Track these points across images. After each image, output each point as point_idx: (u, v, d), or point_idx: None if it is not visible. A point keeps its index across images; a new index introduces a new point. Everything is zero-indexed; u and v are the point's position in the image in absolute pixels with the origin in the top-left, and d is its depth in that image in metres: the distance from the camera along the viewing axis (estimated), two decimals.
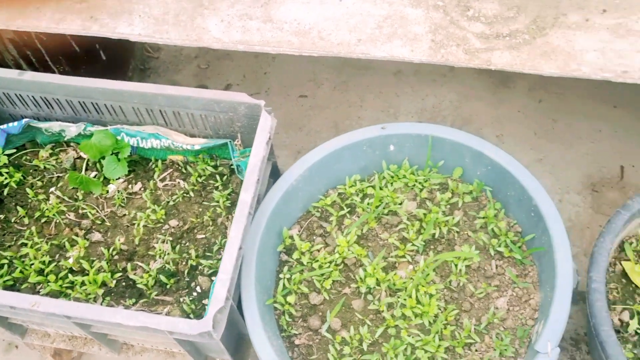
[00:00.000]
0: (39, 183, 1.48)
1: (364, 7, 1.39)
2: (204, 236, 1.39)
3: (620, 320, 1.23)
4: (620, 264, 1.29)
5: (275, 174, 1.47)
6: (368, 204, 1.39)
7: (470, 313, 1.25)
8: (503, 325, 1.22)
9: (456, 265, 1.28)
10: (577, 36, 1.28)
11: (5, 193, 1.45)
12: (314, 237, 1.38)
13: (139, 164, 1.53)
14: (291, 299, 1.26)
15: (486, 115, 2.06)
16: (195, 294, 1.30)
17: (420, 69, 2.21)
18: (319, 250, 1.34)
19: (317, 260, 1.31)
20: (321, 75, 2.24)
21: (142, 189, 1.49)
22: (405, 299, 1.24)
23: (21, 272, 1.31)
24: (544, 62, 1.26)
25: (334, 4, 1.39)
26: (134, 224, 1.41)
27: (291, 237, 1.35)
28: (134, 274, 1.34)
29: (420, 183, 1.41)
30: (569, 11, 1.32)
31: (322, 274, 1.31)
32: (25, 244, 1.36)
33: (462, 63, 1.28)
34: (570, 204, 1.85)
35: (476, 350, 1.20)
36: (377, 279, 1.28)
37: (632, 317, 1.22)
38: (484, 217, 1.33)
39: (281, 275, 1.32)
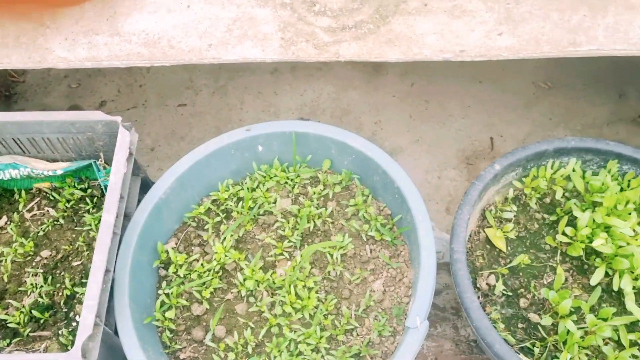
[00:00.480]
0: None
1: (212, 11, 1.38)
2: (79, 263, 1.35)
3: (487, 284, 1.30)
4: (484, 232, 1.36)
5: (146, 188, 1.43)
6: (242, 207, 1.39)
7: (350, 300, 1.28)
8: (381, 307, 1.26)
9: (331, 255, 1.31)
10: (417, 21, 1.34)
11: None
12: (192, 248, 1.37)
13: (2, 196, 1.45)
14: (170, 314, 1.24)
15: (363, 104, 2.12)
16: (74, 324, 1.25)
17: (296, 66, 2.23)
18: (197, 260, 1.33)
19: (196, 271, 1.30)
20: (198, 82, 2.21)
21: (8, 222, 1.42)
22: (284, 296, 1.25)
23: None
24: (389, 49, 1.30)
25: (182, 11, 1.38)
26: (1, 261, 1.34)
27: (167, 251, 1.32)
28: (6, 313, 1.28)
29: (291, 179, 1.42)
30: None
31: (203, 284, 1.30)
32: None
33: (313, 58, 1.30)
34: (449, 179, 1.93)
35: (357, 335, 1.23)
36: (256, 281, 1.28)
37: (497, 280, 1.29)
38: (354, 205, 1.36)
39: (160, 292, 1.29)
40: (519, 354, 1.20)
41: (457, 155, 1.97)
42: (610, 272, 1.26)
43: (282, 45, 1.32)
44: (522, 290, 1.29)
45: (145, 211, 1.29)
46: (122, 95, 2.20)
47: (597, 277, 1.24)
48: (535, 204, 1.39)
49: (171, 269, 1.31)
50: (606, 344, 1.19)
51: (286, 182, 1.42)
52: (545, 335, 1.21)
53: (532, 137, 1.99)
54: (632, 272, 1.22)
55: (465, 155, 1.97)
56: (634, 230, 1.27)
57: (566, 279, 1.29)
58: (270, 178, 1.42)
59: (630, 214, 1.28)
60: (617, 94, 2.08)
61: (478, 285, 1.30)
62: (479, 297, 1.29)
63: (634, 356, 1.16)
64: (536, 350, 1.18)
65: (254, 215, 1.39)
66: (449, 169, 1.94)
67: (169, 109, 2.14)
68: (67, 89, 2.23)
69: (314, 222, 1.36)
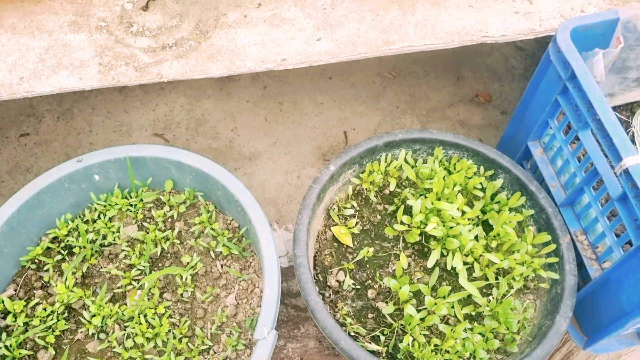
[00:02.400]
0: None
1: (22, 41, 1.31)
2: None
3: (337, 280, 1.35)
4: (330, 230, 1.41)
5: None
6: (86, 240, 1.34)
7: (205, 319, 1.28)
8: (235, 321, 1.27)
9: (181, 277, 1.30)
10: (238, 33, 1.35)
11: None
12: (34, 291, 1.30)
13: None
14: None
15: (218, 112, 2.11)
16: None
17: None
18: (39, 304, 1.27)
19: (37, 316, 1.24)
20: (40, 108, 2.09)
21: None
22: (134, 327, 1.22)
23: None
24: (212, 65, 1.30)
25: None
26: None
27: (2, 301, 1.25)
28: None
29: (134, 205, 1.39)
30: (228, 10, 1.38)
31: (48, 328, 1.24)
32: None
33: (135, 81, 1.27)
34: (308, 178, 1.97)
35: (214, 353, 1.23)
36: (103, 316, 1.24)
37: (346, 275, 1.34)
38: (200, 223, 1.36)
39: (0, 344, 1.22)
40: (370, 343, 1.26)
41: (314, 153, 2.02)
42: (445, 253, 1.35)
43: (100, 71, 1.28)
44: (370, 281, 1.35)
45: None
46: None
47: (432, 259, 1.32)
48: (376, 197, 1.46)
49: (9, 318, 1.24)
50: (447, 321, 1.27)
51: (128, 209, 1.38)
52: (392, 322, 1.28)
53: (382, 126, 2.08)
54: (462, 250, 1.31)
55: (322, 151, 2.02)
56: (462, 211, 1.36)
57: (409, 264, 1.37)
58: (112, 207, 1.38)
59: (457, 195, 1.37)
60: (456, 77, 2.22)
61: (329, 284, 1.35)
62: (330, 295, 1.34)
63: (469, 329, 1.25)
64: (382, 338, 1.25)
65: (98, 248, 1.34)
66: (307, 168, 1.98)
67: (9, 141, 2.01)
68: None
69: (162, 245, 1.34)
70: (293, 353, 1.42)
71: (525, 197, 1.38)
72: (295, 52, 1.33)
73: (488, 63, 2.25)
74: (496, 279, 1.30)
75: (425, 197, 1.38)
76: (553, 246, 1.30)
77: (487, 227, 1.39)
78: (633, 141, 1.46)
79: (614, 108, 1.58)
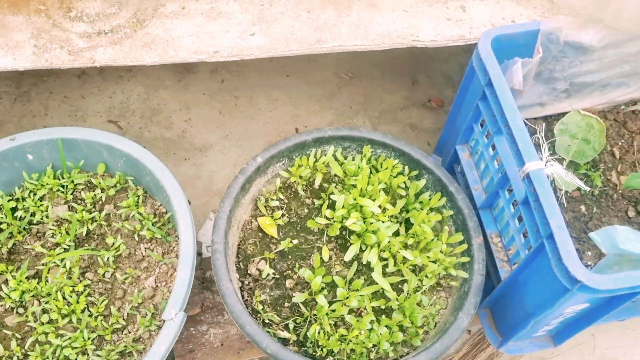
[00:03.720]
0: None
1: None
2: None
3: (257, 269, 1.38)
4: (257, 221, 1.45)
5: None
6: (14, 217, 1.37)
7: (123, 299, 1.31)
8: (152, 302, 1.31)
9: (102, 258, 1.33)
10: (174, 24, 1.39)
11: None
12: None
13: None
14: None
15: (174, 102, 2.14)
16: None
17: (105, 68, 2.20)
18: None
19: None
20: None
21: None
22: (50, 303, 1.26)
23: None
24: (145, 53, 1.34)
25: None
26: None
27: None
28: None
29: (64, 186, 1.42)
30: (168, 1, 1.42)
31: None
32: None
33: (67, 64, 1.31)
34: None
35: (128, 332, 1.27)
36: (22, 291, 1.27)
37: (267, 264, 1.38)
38: (127, 206, 1.39)
39: None
40: (283, 330, 1.30)
41: (265, 147, 2.05)
42: (365, 248, 1.39)
43: (34, 52, 1.31)
44: (289, 272, 1.39)
45: None
46: None
47: (350, 253, 1.36)
48: (304, 190, 1.49)
49: None
50: (360, 314, 1.31)
51: (59, 190, 1.42)
52: (305, 311, 1.32)
53: (334, 125, 2.12)
54: (379, 246, 1.35)
55: None
56: (384, 208, 1.41)
57: (330, 257, 1.41)
58: (43, 186, 1.41)
59: (379, 192, 1.41)
60: (411, 81, 2.26)
61: (249, 272, 1.38)
62: (249, 283, 1.37)
63: (377, 321, 1.29)
64: (291, 326, 1.28)
65: (26, 225, 1.38)
66: None
67: None
68: None
69: (88, 226, 1.37)
70: (214, 338, 1.45)
71: (445, 197, 1.42)
72: (228, 45, 1.37)
73: (444, 69, 2.29)
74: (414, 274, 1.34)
75: (350, 192, 1.42)
76: (465, 246, 1.34)
77: (409, 225, 1.43)
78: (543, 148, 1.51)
79: (546, 117, 1.63)
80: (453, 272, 1.33)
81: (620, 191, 1.53)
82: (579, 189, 1.51)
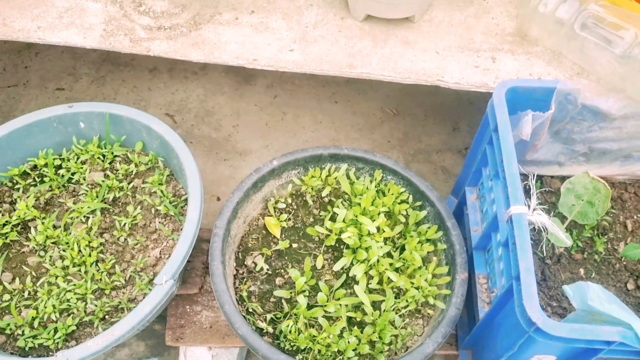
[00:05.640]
0: None
1: (50, 0, 1.57)
2: None
3: (254, 262, 1.49)
4: (264, 219, 1.56)
5: None
6: (57, 174, 1.56)
7: (130, 263, 1.46)
8: (153, 271, 1.44)
9: (120, 223, 1.49)
10: (225, 31, 1.55)
11: None
12: (2, 204, 1.53)
13: None
14: None
15: (227, 108, 2.32)
16: None
17: (174, 67, 2.43)
18: (1, 214, 1.49)
19: None
20: (80, 70, 2.39)
21: None
22: (66, 251, 1.42)
23: None
24: (193, 51, 1.51)
25: None
26: None
27: None
28: None
29: (104, 156, 1.60)
30: (225, 11, 1.60)
31: (2, 234, 1.45)
32: None
33: (127, 50, 1.50)
34: None
35: (125, 292, 1.40)
36: (46, 236, 1.44)
37: (262, 259, 1.49)
38: (151, 183, 1.55)
39: None
40: (262, 322, 1.39)
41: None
42: (356, 262, 1.47)
43: (102, 35, 1.51)
44: (282, 270, 1.48)
45: None
46: (7, 74, 2.36)
47: (339, 264, 1.45)
48: (313, 201, 1.60)
49: None
50: (335, 321, 1.38)
51: (99, 158, 1.60)
52: (286, 307, 1.40)
53: None
54: (368, 262, 1.43)
55: None
56: (382, 229, 1.48)
57: (323, 266, 1.49)
58: (87, 152, 1.60)
59: (380, 214, 1.49)
60: (452, 127, 2.33)
61: (246, 263, 1.49)
62: (243, 273, 1.48)
63: (348, 329, 1.36)
64: (269, 317, 1.37)
65: (65, 182, 1.56)
66: None
67: (47, 92, 2.31)
68: None
69: (115, 193, 1.54)
70: (205, 320, 1.56)
71: (442, 231, 1.48)
72: (267, 56, 1.51)
73: None
74: (396, 297, 1.40)
75: (352, 209, 1.51)
76: (448, 279, 1.39)
77: (404, 251, 1.50)
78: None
79: (563, 178, 1.65)
80: (432, 301, 1.38)
81: (623, 262, 1.52)
82: (582, 251, 1.52)
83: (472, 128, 2.32)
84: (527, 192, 1.39)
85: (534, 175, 1.31)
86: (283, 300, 1.42)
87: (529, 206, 1.24)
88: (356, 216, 1.48)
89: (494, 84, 1.51)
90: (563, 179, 1.66)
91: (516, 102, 1.40)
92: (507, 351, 1.22)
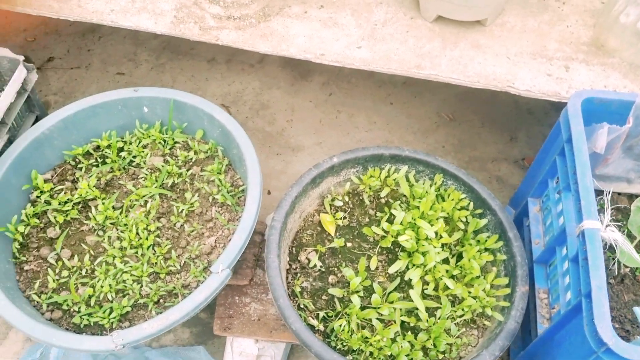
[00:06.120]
0: None
1: None
2: None
3: (307, 258, 1.48)
4: (319, 215, 1.55)
5: None
6: (118, 156, 1.58)
7: (185, 249, 1.46)
8: (208, 259, 1.44)
9: (177, 209, 1.49)
10: (294, 24, 1.55)
11: None
12: (65, 182, 1.55)
13: None
14: (20, 228, 1.42)
15: (282, 103, 2.32)
16: None
17: (232, 59, 2.44)
18: (63, 191, 1.51)
19: (57, 199, 1.48)
20: (141, 57, 2.42)
21: None
22: (124, 232, 1.43)
23: None
24: (261, 42, 1.51)
25: None
26: None
27: (37, 178, 1.51)
28: None
29: (165, 141, 1.61)
30: (294, 4, 1.59)
31: (62, 211, 1.48)
32: None
33: (196, 37, 1.51)
34: None
35: (179, 277, 1.41)
36: (106, 217, 1.46)
37: (316, 256, 1.47)
38: (210, 171, 1.55)
39: (22, 211, 1.48)
40: (313, 319, 1.38)
41: None
42: (412, 267, 1.44)
43: (173, 22, 1.52)
44: (335, 269, 1.47)
45: (25, 141, 1.48)
46: (70, 55, 2.41)
47: (395, 267, 1.42)
48: (370, 201, 1.58)
49: (35, 193, 1.49)
50: (388, 324, 1.36)
51: (160, 143, 1.61)
52: (339, 306, 1.38)
53: None
54: (425, 267, 1.40)
55: None
56: (440, 235, 1.45)
57: (377, 267, 1.47)
58: (148, 137, 1.61)
59: (438, 219, 1.46)
60: (509, 137, 2.28)
61: (299, 258, 1.48)
62: (296, 268, 1.47)
63: (401, 333, 1.33)
64: (321, 315, 1.36)
65: (127, 165, 1.58)
66: None
67: (108, 75, 2.35)
68: (23, 41, 2.44)
69: (174, 179, 1.55)
70: (254, 312, 1.56)
71: (502, 242, 1.44)
72: (334, 52, 1.50)
73: (546, 134, 2.27)
74: (452, 305, 1.37)
75: (411, 212, 1.48)
76: (508, 290, 1.35)
77: (461, 259, 1.46)
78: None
79: (631, 196, 1.59)
80: (489, 312, 1.34)
81: None
82: None
83: (531, 139, 2.26)
84: None
85: (609, 191, 1.26)
86: (335, 299, 1.40)
87: (601, 222, 1.19)
88: (414, 219, 1.45)
89: (566, 94, 1.46)
90: (630, 196, 1.59)
91: (590, 113, 1.35)
92: None
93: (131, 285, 1.36)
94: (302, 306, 1.40)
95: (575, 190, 1.23)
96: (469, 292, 1.37)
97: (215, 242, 1.46)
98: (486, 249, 1.46)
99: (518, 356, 1.44)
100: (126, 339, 1.21)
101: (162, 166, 1.56)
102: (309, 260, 1.47)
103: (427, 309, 1.36)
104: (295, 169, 2.12)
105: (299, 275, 1.45)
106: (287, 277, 1.44)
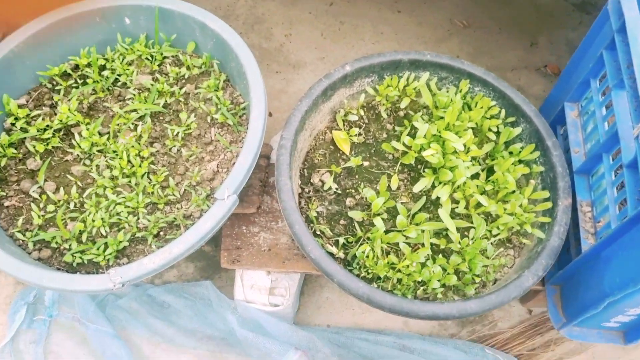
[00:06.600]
0: None
1: None
2: None
3: (321, 180, 1.32)
4: (331, 133, 1.38)
5: None
6: (101, 75, 1.39)
7: (184, 176, 1.30)
8: (210, 185, 1.28)
9: (172, 132, 1.32)
10: None
11: None
12: (42, 107, 1.37)
13: None
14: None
15: (278, 16, 2.10)
16: None
17: None
18: (41, 117, 1.33)
19: (35, 126, 1.31)
20: None
21: None
22: (114, 160, 1.27)
23: None
24: None
25: None
26: None
27: (9, 103, 1.33)
28: None
29: (153, 56, 1.42)
30: None
31: (41, 139, 1.30)
32: None
33: None
34: None
35: (180, 207, 1.25)
36: (92, 143, 1.29)
37: (331, 177, 1.32)
38: (205, 88, 1.37)
39: None
40: (332, 246, 1.24)
41: None
42: (438, 184, 1.29)
43: None
44: (352, 190, 1.32)
45: None
46: None
47: (420, 185, 1.27)
48: (388, 114, 1.41)
49: (9, 120, 1.31)
50: (416, 248, 1.22)
51: (147, 59, 1.42)
52: (359, 231, 1.24)
53: None
54: (453, 184, 1.25)
55: None
56: (468, 148, 1.29)
57: (399, 187, 1.32)
58: (133, 52, 1.42)
59: (467, 130, 1.30)
60: (529, 43, 2.08)
61: (312, 181, 1.33)
62: (309, 192, 1.32)
63: (431, 257, 1.20)
64: (340, 242, 1.22)
65: (110, 85, 1.39)
66: None
67: None
68: None
69: (166, 99, 1.36)
70: (264, 242, 1.42)
71: (539, 151, 1.28)
72: None
73: (570, 37, 2.09)
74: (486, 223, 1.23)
75: (435, 124, 1.31)
76: (549, 205, 1.21)
77: (492, 173, 1.31)
78: None
79: None
80: (529, 229, 1.20)
81: None
82: None
83: (553, 44, 2.07)
84: None
85: None
86: (355, 223, 1.26)
87: None
88: (439, 132, 1.29)
89: None
90: None
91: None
92: (622, 288, 1.05)
93: (126, 217, 1.21)
94: (318, 232, 1.26)
95: (632, 86, 1.06)
96: (504, 209, 1.22)
97: (217, 166, 1.30)
98: (520, 161, 1.30)
99: (555, 276, 1.31)
100: (125, 276, 1.07)
101: (152, 85, 1.37)
102: (323, 183, 1.32)
103: (458, 229, 1.23)
104: (297, 87, 1.94)
105: (312, 199, 1.30)
106: (299, 202, 1.29)
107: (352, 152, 1.37)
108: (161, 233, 1.22)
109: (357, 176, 1.34)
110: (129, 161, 1.27)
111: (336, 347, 1.45)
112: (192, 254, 1.61)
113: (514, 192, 1.25)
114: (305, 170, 1.34)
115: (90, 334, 1.46)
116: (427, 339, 1.47)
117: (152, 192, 1.25)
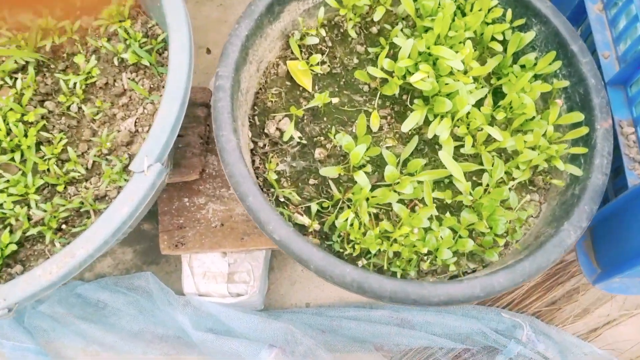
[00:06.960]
0: None
1: None
2: None
3: (278, 129, 0.99)
4: (286, 65, 1.03)
5: None
6: None
7: (91, 143, 0.95)
8: (128, 152, 0.94)
9: (67, 84, 0.96)
10: None
11: None
12: None
13: None
14: None
15: None
16: None
17: None
18: None
19: None
20: None
21: None
22: None
23: None
24: None
25: None
26: None
27: None
28: None
29: None
30: None
31: None
32: None
33: None
34: None
35: (88, 186, 0.91)
36: None
37: (291, 123, 0.98)
38: (107, 18, 1.00)
39: None
40: (302, 215, 0.92)
41: None
42: (433, 119, 0.97)
43: None
44: (322, 138, 0.99)
45: None
46: None
47: (410, 122, 0.95)
48: (357, 33, 1.06)
49: None
50: (413, 206, 0.91)
51: None
52: (337, 192, 0.93)
53: None
54: (454, 115, 0.93)
55: None
56: (468, 65, 0.97)
57: (381, 127, 1.00)
58: None
59: (463, 43, 0.97)
60: None
61: (266, 131, 0.99)
62: (264, 146, 0.99)
63: (437, 217, 0.89)
64: (313, 209, 0.90)
65: None
66: None
67: None
68: None
69: (54, 39, 0.99)
70: (214, 216, 1.09)
71: (562, 61, 0.97)
72: None
73: None
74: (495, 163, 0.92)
75: (422, 38, 0.98)
76: (584, 130, 0.90)
77: (500, 97, 1.00)
78: None
79: None
80: (560, 165, 0.90)
81: None
82: None
83: None
84: None
85: None
86: (330, 182, 0.94)
87: None
88: (428, 48, 0.96)
89: None
90: None
91: None
92: None
93: (12, 209, 0.87)
94: (282, 200, 0.93)
95: None
96: (524, 142, 0.92)
97: (135, 124, 0.95)
98: (536, 77, 0.99)
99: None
100: (10, 297, 0.74)
101: (31, 21, 0.99)
102: (282, 132, 0.99)
103: (466, 175, 0.92)
104: (239, 14, 1.56)
105: (270, 155, 0.97)
106: (252, 162, 0.96)
107: (316, 87, 1.03)
108: (64, 226, 0.88)
109: (325, 118, 1.01)
110: (9, 131, 0.91)
111: (319, 333, 1.16)
112: (128, 236, 1.28)
113: (533, 118, 0.94)
114: (256, 117, 1.00)
115: (8, 354, 1.15)
116: (429, 309, 1.19)
117: (48, 170, 0.90)
